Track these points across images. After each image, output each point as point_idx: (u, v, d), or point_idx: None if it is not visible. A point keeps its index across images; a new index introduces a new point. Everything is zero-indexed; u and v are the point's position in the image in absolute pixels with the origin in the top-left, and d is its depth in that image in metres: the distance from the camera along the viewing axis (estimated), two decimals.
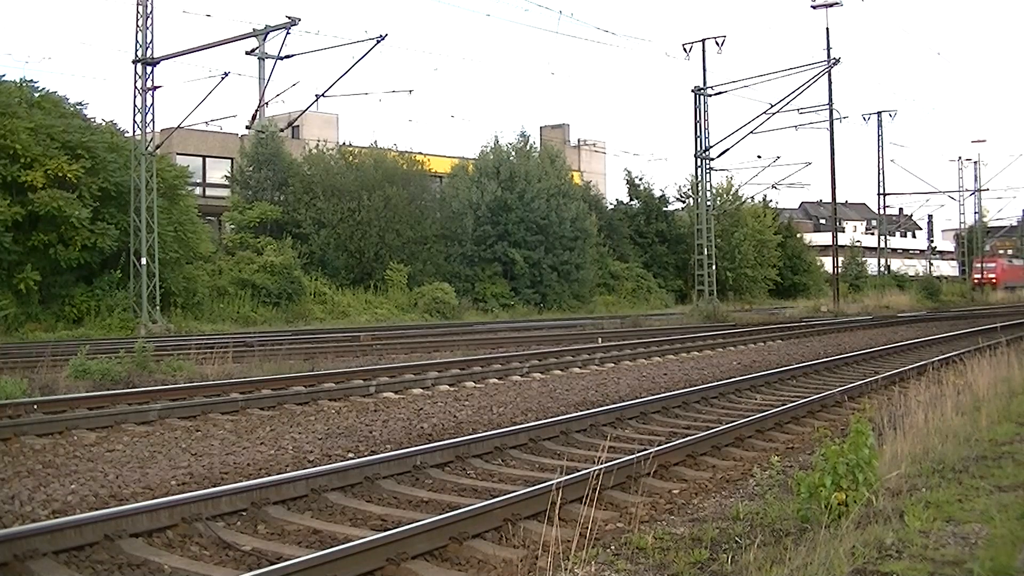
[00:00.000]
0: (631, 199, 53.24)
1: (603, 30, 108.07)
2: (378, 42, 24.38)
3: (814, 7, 38.36)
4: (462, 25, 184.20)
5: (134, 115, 27.31)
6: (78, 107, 29.89)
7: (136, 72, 27.03)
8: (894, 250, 77.64)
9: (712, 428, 9.77)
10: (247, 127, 32.33)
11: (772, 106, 36.20)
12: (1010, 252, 78.71)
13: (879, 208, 62.38)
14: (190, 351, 16.50)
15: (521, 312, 39.37)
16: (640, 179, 53.31)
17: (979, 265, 70.07)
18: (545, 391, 13.69)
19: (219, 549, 5.91)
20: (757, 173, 67.17)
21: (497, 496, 6.74)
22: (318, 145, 40.19)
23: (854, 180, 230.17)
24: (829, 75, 37.86)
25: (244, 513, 6.57)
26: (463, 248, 39.90)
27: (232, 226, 36.56)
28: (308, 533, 6.27)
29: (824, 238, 69.44)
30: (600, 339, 23.19)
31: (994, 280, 69.50)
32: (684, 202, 54.16)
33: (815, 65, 36.87)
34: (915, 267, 73.78)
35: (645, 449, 8.23)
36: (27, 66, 56.41)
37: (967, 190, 66.09)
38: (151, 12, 26.89)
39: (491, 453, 8.69)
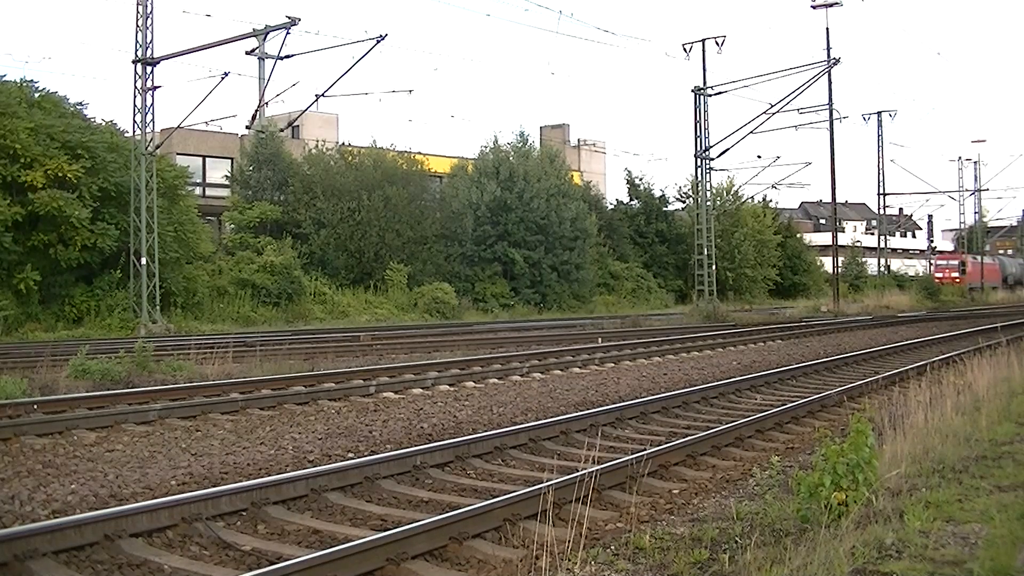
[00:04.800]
0: (631, 199, 53.23)
1: (603, 30, 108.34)
2: (378, 42, 24.39)
3: (814, 7, 38.37)
4: (462, 25, 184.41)
5: (134, 115, 27.33)
6: (78, 107, 29.90)
7: (136, 72, 27.03)
8: (894, 250, 77.57)
9: (712, 428, 9.78)
10: (247, 127, 32.32)
11: (772, 106, 36.26)
12: (978, 249, 72.80)
13: (879, 208, 62.37)
14: (190, 351, 16.48)
15: (521, 312, 39.34)
16: (640, 179, 53.36)
17: (942, 263, 65.44)
18: (545, 391, 13.69)
19: (219, 549, 5.91)
20: (757, 173, 67.19)
21: (497, 496, 6.74)
22: (318, 145, 40.19)
23: (854, 180, 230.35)
24: (829, 75, 37.89)
25: (244, 513, 6.57)
26: (463, 248, 39.89)
27: (232, 226, 36.55)
28: (308, 533, 6.27)
29: (824, 238, 69.30)
30: (600, 339, 23.19)
31: (957, 280, 62.29)
32: (684, 202, 54.17)
33: (815, 65, 36.92)
34: (915, 267, 73.59)
35: (645, 449, 8.23)
36: (27, 66, 56.50)
37: (967, 190, 66.09)
38: (151, 12, 26.90)
39: (491, 453, 8.69)
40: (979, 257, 66.45)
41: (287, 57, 25.30)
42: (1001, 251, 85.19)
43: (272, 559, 5.57)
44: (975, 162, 66.60)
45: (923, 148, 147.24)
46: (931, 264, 65.60)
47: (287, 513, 6.69)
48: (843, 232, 78.23)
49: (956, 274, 62.87)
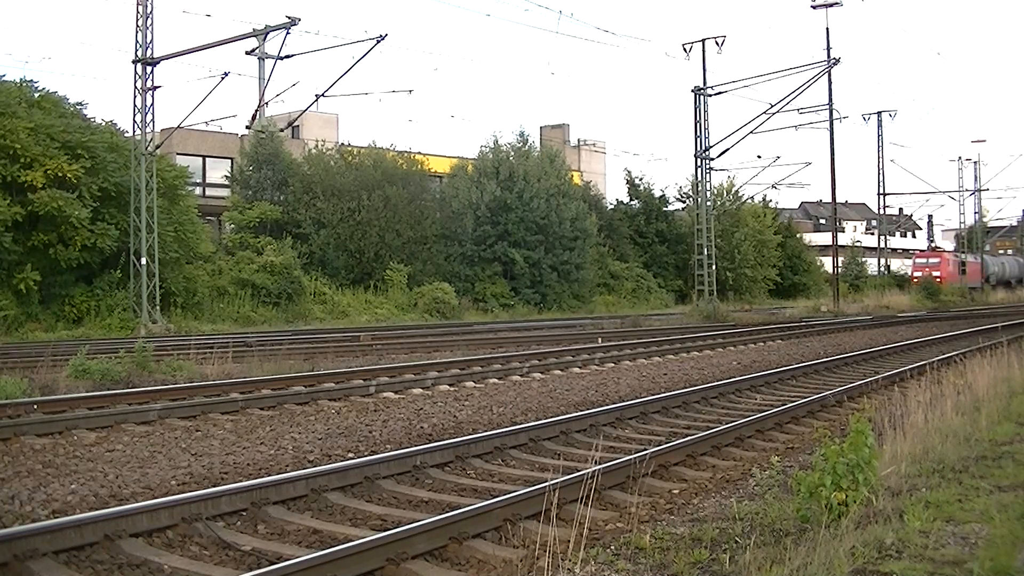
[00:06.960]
0: (631, 199, 53.21)
1: (603, 30, 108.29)
2: (378, 42, 24.39)
3: (814, 7, 38.40)
4: (462, 25, 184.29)
5: (134, 115, 27.32)
6: (78, 107, 29.89)
7: (136, 72, 27.03)
8: (894, 250, 77.45)
9: (712, 428, 9.78)
10: (247, 127, 32.32)
11: (772, 106, 36.27)
12: (957, 247, 68.51)
13: (879, 208, 62.31)
14: (190, 351, 16.49)
15: (521, 312, 39.35)
16: (640, 179, 53.33)
17: (921, 261, 63.29)
18: (545, 391, 13.69)
19: (219, 549, 5.91)
20: (757, 173, 67.28)
21: (497, 496, 6.74)
22: (318, 145, 40.20)
23: (854, 180, 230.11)
24: (829, 75, 37.93)
25: (244, 513, 6.57)
26: (463, 248, 39.90)
27: (232, 226, 36.55)
28: (308, 533, 6.27)
29: (824, 238, 69.23)
30: (600, 339, 23.19)
31: (939, 279, 58.50)
32: (684, 202, 54.16)
33: (815, 65, 36.93)
34: None
35: (645, 449, 8.23)
36: (27, 66, 56.46)
37: (967, 190, 66.00)
38: (151, 12, 26.90)
39: (491, 453, 8.69)
40: (960, 256, 65.88)
41: (287, 57, 25.33)
42: (1001, 251, 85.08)
43: (272, 559, 5.57)
44: (975, 162, 66.61)
45: (923, 148, 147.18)
46: (914, 263, 64.78)
47: (287, 513, 6.69)
48: (843, 232, 78.11)
49: (936, 273, 61.73)
